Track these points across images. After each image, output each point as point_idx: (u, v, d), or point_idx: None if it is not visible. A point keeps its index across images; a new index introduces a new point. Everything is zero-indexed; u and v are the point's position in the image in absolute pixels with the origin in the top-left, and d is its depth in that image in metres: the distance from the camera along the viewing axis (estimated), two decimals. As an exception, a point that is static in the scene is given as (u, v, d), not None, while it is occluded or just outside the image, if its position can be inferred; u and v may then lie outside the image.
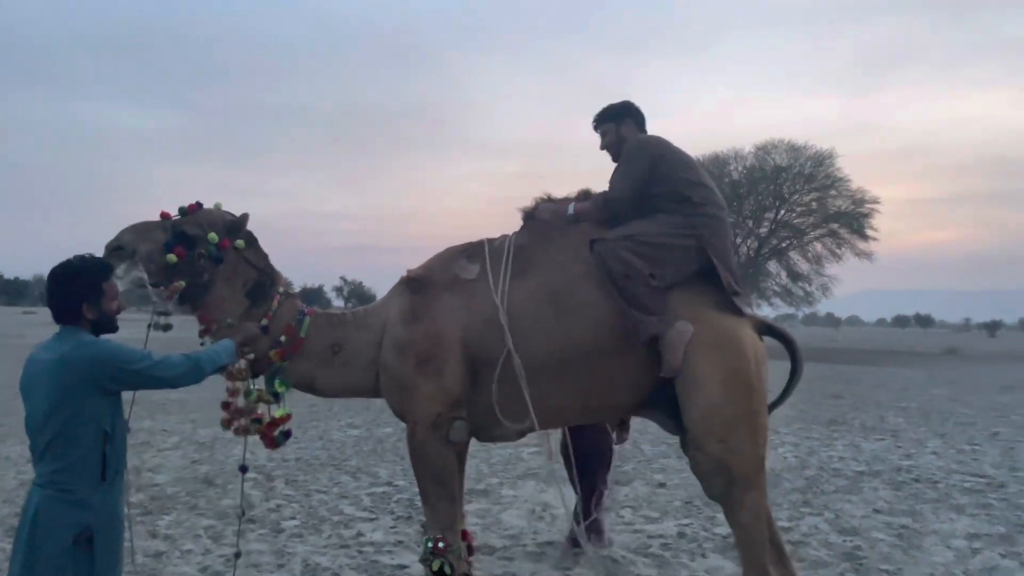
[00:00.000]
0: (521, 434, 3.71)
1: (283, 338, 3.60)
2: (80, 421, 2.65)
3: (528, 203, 3.84)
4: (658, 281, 3.44)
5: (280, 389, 3.63)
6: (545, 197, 3.82)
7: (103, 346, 2.70)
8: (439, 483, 3.51)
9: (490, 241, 3.80)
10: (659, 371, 3.41)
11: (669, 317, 3.39)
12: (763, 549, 3.40)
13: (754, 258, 40.72)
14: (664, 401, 3.55)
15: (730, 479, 3.35)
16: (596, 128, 3.89)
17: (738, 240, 41.10)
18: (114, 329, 2.87)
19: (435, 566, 3.42)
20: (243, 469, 3.93)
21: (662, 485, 7.17)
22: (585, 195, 3.76)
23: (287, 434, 3.73)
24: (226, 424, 3.63)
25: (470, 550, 3.85)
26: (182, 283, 3.37)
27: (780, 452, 8.97)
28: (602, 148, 3.88)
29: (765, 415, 3.50)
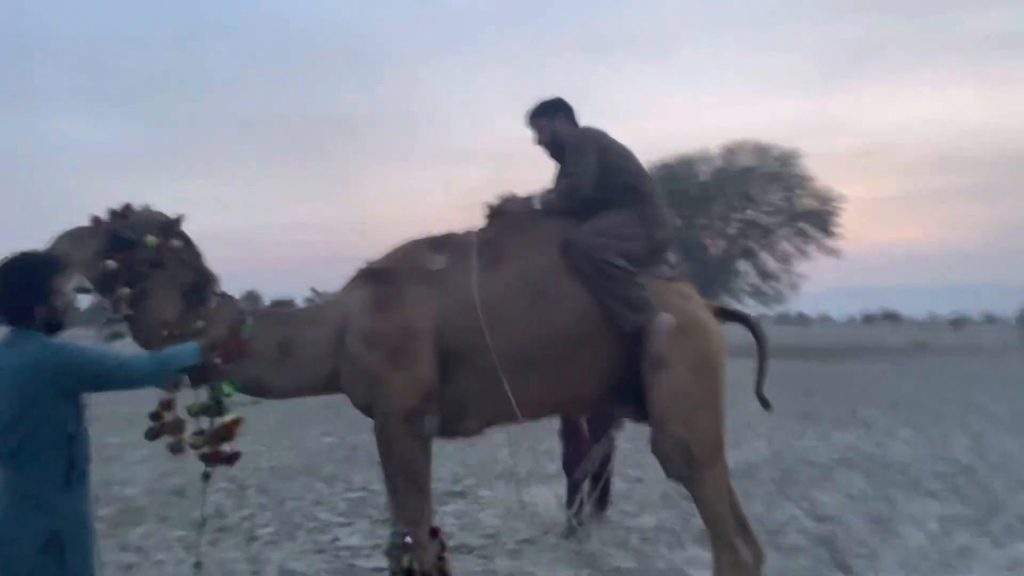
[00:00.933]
0: (483, 429, 3.67)
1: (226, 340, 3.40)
2: (46, 426, 2.55)
3: (491, 201, 3.80)
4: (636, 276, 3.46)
5: (227, 390, 3.41)
6: (509, 196, 3.79)
7: (70, 350, 2.60)
8: (409, 477, 3.43)
9: (455, 234, 3.74)
10: (641, 361, 3.42)
11: (653, 308, 3.41)
12: (728, 524, 3.44)
13: (724, 258, 41.11)
14: (628, 389, 3.55)
15: (689, 459, 3.38)
16: (530, 124, 3.88)
17: (707, 241, 41.48)
18: (63, 327, 2.75)
19: (404, 562, 3.32)
20: (206, 476, 3.72)
21: (639, 480, 7.18)
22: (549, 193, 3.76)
23: (234, 456, 3.47)
24: (154, 436, 3.39)
25: (443, 547, 3.78)
26: (127, 290, 3.22)
27: (755, 445, 9.04)
28: (537, 144, 3.88)
29: (724, 396, 3.56)
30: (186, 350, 3.03)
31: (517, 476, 7.40)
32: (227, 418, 3.43)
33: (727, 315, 3.86)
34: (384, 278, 3.55)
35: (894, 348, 42.87)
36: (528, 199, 3.72)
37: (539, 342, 3.43)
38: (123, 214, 3.31)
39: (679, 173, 40.76)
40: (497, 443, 9.23)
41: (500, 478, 7.42)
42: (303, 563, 4.93)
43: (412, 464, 3.43)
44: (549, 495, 6.54)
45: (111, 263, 3.19)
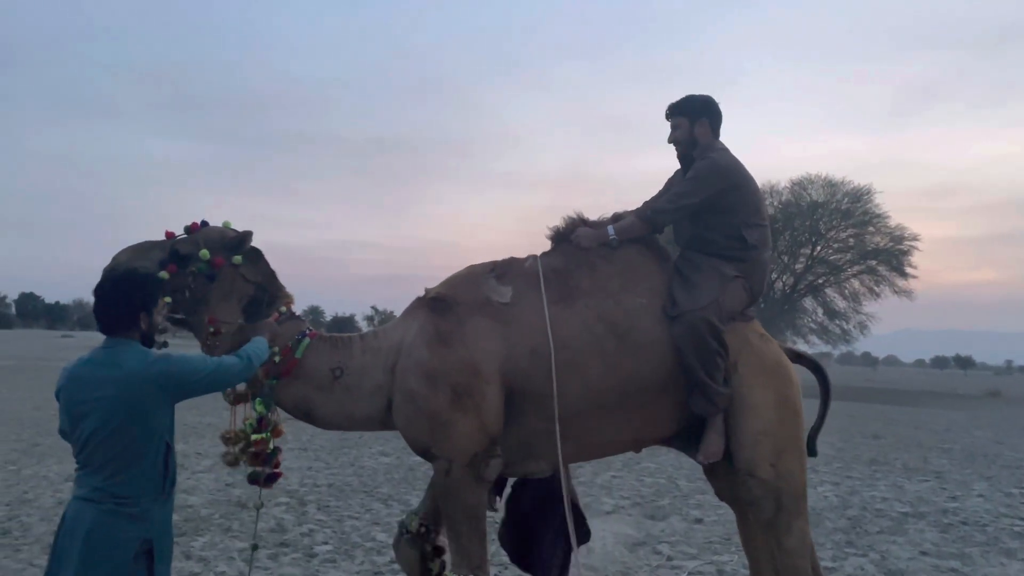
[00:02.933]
0: (552, 469, 3.48)
1: (278, 357, 3.40)
2: (147, 435, 2.64)
3: (559, 223, 3.59)
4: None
5: (259, 410, 3.44)
6: (577, 217, 3.58)
7: (173, 361, 2.69)
8: (471, 523, 3.28)
9: (518, 261, 3.55)
10: (696, 454, 3.37)
11: (722, 406, 3.31)
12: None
13: (790, 294, 40.19)
14: (698, 428, 3.43)
15: (779, 504, 3.27)
16: (669, 118, 3.60)
17: (773, 276, 40.65)
18: (153, 343, 2.86)
19: None
20: (258, 508, 3.76)
21: (699, 521, 7.01)
22: (618, 219, 3.56)
23: (273, 476, 3.49)
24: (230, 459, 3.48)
25: (443, 567, 3.69)
26: (167, 299, 3.30)
27: (820, 491, 8.75)
28: (670, 141, 3.62)
29: (805, 441, 3.43)
30: (260, 345, 3.13)
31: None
32: (256, 436, 3.45)
33: (797, 358, 3.71)
34: (445, 309, 3.36)
35: (967, 395, 41.20)
36: (602, 231, 3.49)
37: (619, 389, 3.27)
38: (192, 229, 3.44)
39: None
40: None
41: (557, 509, 7.32)
42: (360, 584, 4.94)
43: (475, 510, 3.27)
44: (607, 531, 6.44)
45: (163, 274, 3.29)
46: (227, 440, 3.49)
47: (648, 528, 6.70)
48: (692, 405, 3.31)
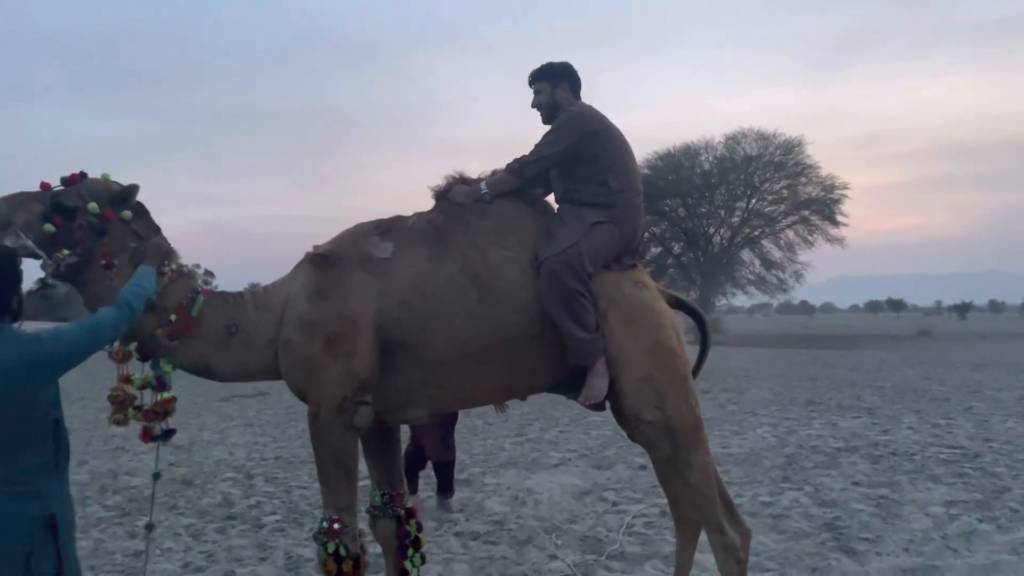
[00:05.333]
0: (431, 417, 3.64)
1: (173, 317, 3.38)
2: (32, 418, 2.53)
3: (440, 183, 3.71)
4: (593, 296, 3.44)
5: (166, 368, 3.41)
6: (457, 176, 3.70)
7: (46, 342, 2.56)
8: (339, 465, 3.40)
9: (403, 219, 3.67)
10: (577, 397, 3.44)
11: (601, 344, 3.39)
12: (715, 506, 3.45)
13: (727, 247, 41.04)
14: (584, 376, 3.50)
15: (673, 441, 3.39)
16: (531, 84, 3.74)
17: (711, 230, 41.41)
18: (23, 314, 2.70)
19: (330, 548, 3.35)
20: (156, 476, 3.78)
21: (643, 468, 7.19)
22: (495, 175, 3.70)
23: (169, 432, 3.47)
24: (117, 419, 3.41)
25: (419, 527, 3.87)
26: (66, 252, 3.20)
27: (759, 432, 9.05)
28: (533, 106, 3.75)
29: (691, 378, 3.55)
30: (142, 277, 3.04)
31: (521, 465, 7.44)
32: (163, 395, 3.42)
33: (681, 305, 3.85)
34: (328, 265, 3.48)
35: (899, 336, 42.85)
36: (475, 187, 3.62)
37: (484, 338, 3.38)
38: (72, 181, 3.30)
39: (682, 162, 40.66)
40: (502, 433, 9.30)
41: (505, 466, 7.44)
42: (310, 550, 4.95)
43: (343, 453, 3.39)
44: (554, 482, 6.58)
45: (49, 226, 3.16)
46: (116, 401, 3.39)
47: (594, 477, 6.86)
48: (568, 353, 3.37)
